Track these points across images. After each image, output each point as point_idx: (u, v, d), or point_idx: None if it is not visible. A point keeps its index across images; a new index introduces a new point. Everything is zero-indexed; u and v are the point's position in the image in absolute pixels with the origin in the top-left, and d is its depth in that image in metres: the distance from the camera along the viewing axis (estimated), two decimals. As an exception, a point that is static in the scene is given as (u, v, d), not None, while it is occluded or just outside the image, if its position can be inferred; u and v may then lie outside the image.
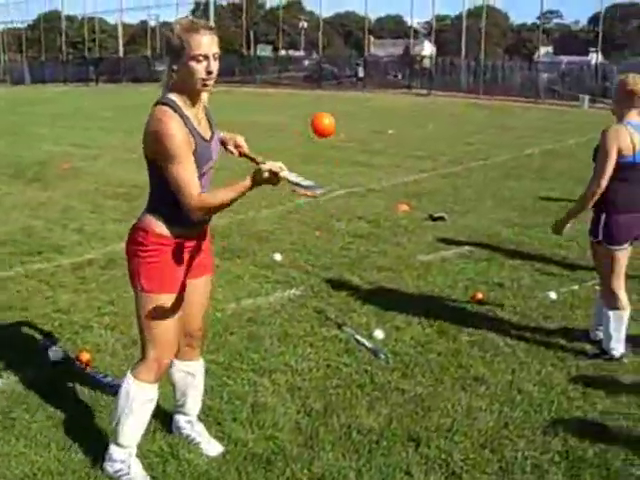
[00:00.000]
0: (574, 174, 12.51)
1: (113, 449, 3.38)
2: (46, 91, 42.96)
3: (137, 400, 3.30)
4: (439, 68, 42.68)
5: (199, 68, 2.95)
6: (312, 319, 5.38)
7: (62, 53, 63.68)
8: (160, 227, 3.14)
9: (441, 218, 8.71)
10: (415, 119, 23.36)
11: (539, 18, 47.50)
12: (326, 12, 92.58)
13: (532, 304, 5.75)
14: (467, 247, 7.47)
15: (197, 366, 3.66)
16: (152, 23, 65.15)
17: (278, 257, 6.95)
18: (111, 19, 65.54)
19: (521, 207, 9.56)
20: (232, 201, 2.97)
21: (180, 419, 3.74)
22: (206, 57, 2.95)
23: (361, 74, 45.21)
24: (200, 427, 3.74)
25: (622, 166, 4.44)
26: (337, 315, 5.45)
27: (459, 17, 47.73)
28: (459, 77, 41.15)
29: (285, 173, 2.96)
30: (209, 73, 2.98)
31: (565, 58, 43.92)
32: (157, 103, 3.04)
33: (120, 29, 62.93)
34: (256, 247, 7.37)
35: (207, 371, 4.38)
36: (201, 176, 3.07)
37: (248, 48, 61.11)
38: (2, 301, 5.80)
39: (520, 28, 78.73)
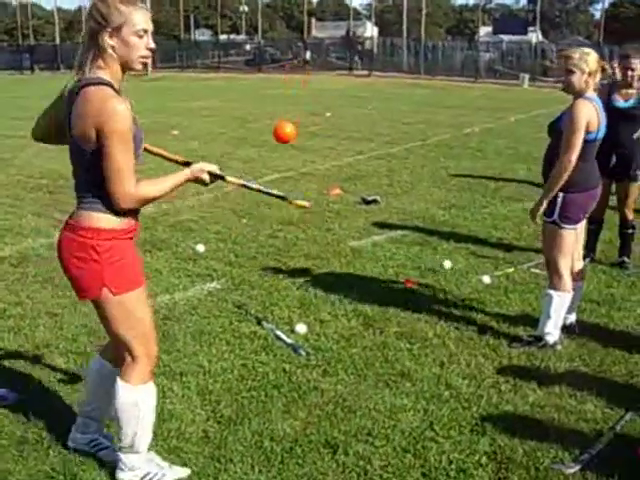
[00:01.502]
0: (513, 152, 12.38)
1: (132, 458, 3.13)
2: None
3: (146, 404, 3.08)
4: (380, 49, 42.48)
5: (140, 44, 2.76)
6: (231, 314, 5.03)
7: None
8: (109, 221, 2.82)
9: (374, 201, 8.42)
10: (355, 101, 23.07)
11: (479, -2, 47.53)
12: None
13: (465, 290, 5.49)
14: (400, 231, 7.19)
15: (115, 372, 3.28)
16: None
17: (201, 248, 6.58)
18: (48, 5, 63.87)
19: (458, 187, 9.33)
20: (169, 192, 2.88)
21: (89, 424, 3.35)
22: (146, 32, 2.77)
23: (307, 57, 44.80)
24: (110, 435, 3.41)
25: (585, 143, 4.18)
26: (258, 310, 5.11)
27: (400, -2, 47.50)
28: (401, 58, 41.01)
29: (232, 178, 3.03)
30: (149, 50, 2.80)
31: (505, 37, 43.95)
32: (90, 83, 2.71)
33: (56, 15, 61.44)
34: (179, 238, 6.99)
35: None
36: (137, 157, 2.86)
37: (188, 33, 60.20)
38: None
39: (462, 9, 79.02)
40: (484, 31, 54.44)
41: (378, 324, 4.83)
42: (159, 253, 6.53)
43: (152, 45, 2.79)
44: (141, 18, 2.74)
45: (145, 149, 3.22)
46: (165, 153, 3.31)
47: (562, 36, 59.87)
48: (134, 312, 2.94)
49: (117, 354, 3.09)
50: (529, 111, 19.21)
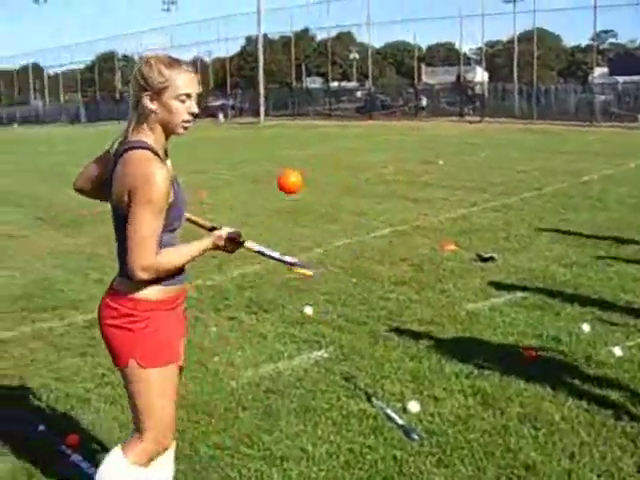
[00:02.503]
0: (637, 201, 11.69)
1: None
2: (100, 130, 43.20)
3: None
4: (491, 94, 41.91)
5: (182, 109, 2.68)
6: (339, 388, 4.69)
7: (117, 91, 64.54)
8: (150, 291, 2.71)
9: (491, 258, 7.98)
10: (466, 148, 22.63)
11: (593, 39, 46.35)
12: (377, 42, 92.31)
13: (593, 363, 4.99)
14: (519, 292, 6.72)
15: (172, 446, 3.12)
16: (206, 59, 65.74)
17: (309, 310, 6.31)
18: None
19: (579, 242, 8.77)
20: (190, 261, 2.77)
21: None
22: (189, 96, 2.69)
23: (424, 103, 44.63)
24: None
25: None
26: (367, 383, 4.76)
27: (511, 41, 46.84)
28: (512, 103, 40.30)
29: (250, 244, 2.92)
30: (191, 114, 2.71)
31: (621, 78, 42.57)
32: (132, 147, 2.63)
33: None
34: (286, 298, 6.74)
35: (210, 459, 3.81)
36: (178, 227, 2.80)
37: (300, 81, 61.13)
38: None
39: (574, 50, 77.42)
40: (598, 72, 53.05)
41: (498, 403, 4.40)
42: (265, 315, 6.29)
43: (195, 110, 2.70)
44: (185, 82, 2.66)
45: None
46: (192, 217, 3.16)
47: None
48: (158, 391, 2.79)
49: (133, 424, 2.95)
50: (651, 156, 18.34)
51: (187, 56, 67.06)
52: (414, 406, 4.34)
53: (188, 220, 3.13)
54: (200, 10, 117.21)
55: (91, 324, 6.19)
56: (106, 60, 70.41)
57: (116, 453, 2.87)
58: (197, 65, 61.83)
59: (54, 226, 11.08)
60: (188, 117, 2.70)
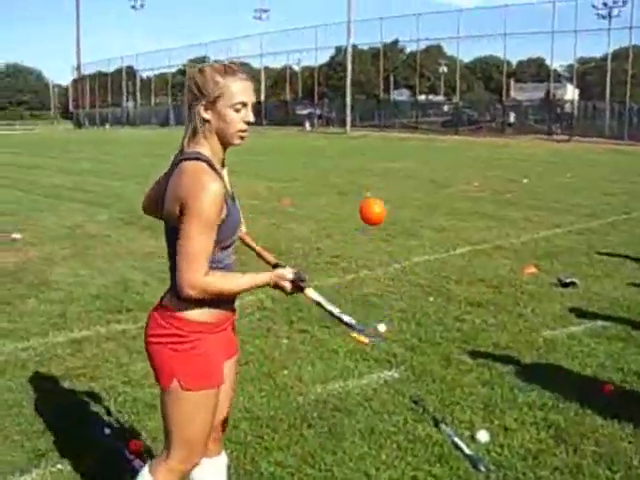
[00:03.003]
0: None
1: None
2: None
3: None
4: (581, 112, 41.06)
5: (237, 118, 2.60)
6: (407, 411, 4.59)
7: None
8: (199, 312, 2.64)
9: (572, 284, 7.74)
10: (553, 167, 22.18)
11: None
12: (467, 57, 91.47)
13: (677, 402, 4.77)
14: (600, 321, 6.49)
15: (223, 461, 3.13)
16: (295, 67, 66.30)
17: (382, 328, 6.19)
18: (257, 63, 67.07)
19: (668, 272, 8.44)
20: (242, 291, 2.69)
21: None
22: (245, 105, 2.61)
23: (512, 119, 44.10)
24: None
25: None
26: (437, 407, 4.64)
27: (604, 59, 45.83)
28: (602, 122, 39.38)
29: (311, 293, 2.81)
30: (248, 124, 2.63)
31: None
32: (187, 158, 2.57)
33: (262, 73, 64.25)
34: (361, 314, 6.64)
35: (271, 476, 3.77)
36: (231, 244, 2.71)
37: (387, 92, 61.06)
38: (71, 366, 5.35)
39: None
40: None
41: (572, 439, 4.22)
42: (337, 330, 6.20)
43: (251, 118, 2.62)
44: (240, 89, 2.58)
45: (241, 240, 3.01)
46: (258, 249, 3.09)
47: None
48: (194, 414, 2.70)
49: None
50: None
51: (277, 64, 67.74)
52: (483, 436, 4.21)
53: (254, 251, 3.10)
54: (291, 19, 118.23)
55: (164, 329, 6.24)
56: (197, 65, 71.69)
57: (144, 473, 2.82)
58: (286, 73, 62.56)
59: (137, 227, 11.23)
60: (244, 126, 2.62)
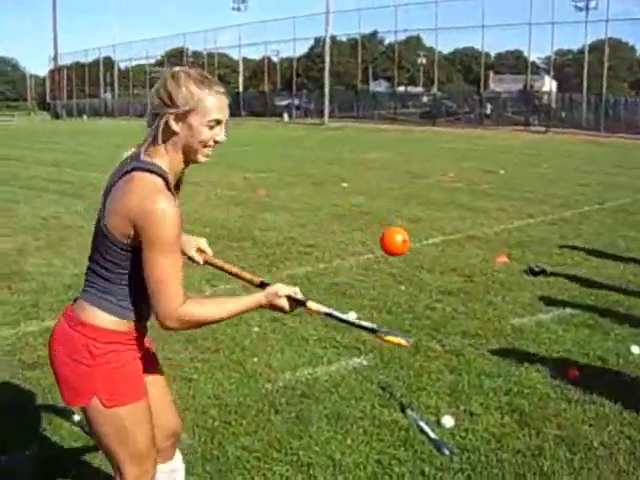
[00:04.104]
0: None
1: None
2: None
3: None
4: (559, 104, 41.29)
5: (209, 135, 2.39)
6: (374, 397, 4.64)
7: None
8: (115, 322, 2.45)
9: (543, 272, 7.82)
10: (530, 158, 22.30)
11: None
12: (446, 48, 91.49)
13: (639, 387, 4.85)
14: (569, 309, 6.57)
15: (180, 459, 2.97)
16: (274, 58, 66.15)
17: (353, 316, 6.25)
18: (235, 54, 66.88)
19: (637, 261, 8.53)
20: (230, 317, 2.45)
21: None
22: (219, 123, 2.40)
23: (488, 111, 44.29)
24: None
25: None
26: (403, 394, 4.69)
27: (582, 51, 46.08)
28: (579, 114, 39.62)
29: (315, 305, 2.51)
30: (216, 142, 2.42)
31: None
32: (142, 168, 2.35)
33: (241, 64, 64.10)
34: (332, 302, 6.67)
35: (237, 461, 3.80)
36: None
37: (366, 84, 61.09)
38: (42, 355, 5.32)
39: (648, 61, 75.70)
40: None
41: (535, 423, 4.29)
42: (308, 318, 6.25)
43: (223, 138, 2.42)
44: (216, 106, 2.37)
45: (211, 264, 2.87)
46: (234, 270, 2.83)
47: None
48: (128, 429, 2.49)
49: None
50: None
51: (256, 55, 67.53)
52: (448, 421, 4.27)
53: (228, 273, 2.86)
54: (270, 10, 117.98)
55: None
56: (175, 56, 71.21)
57: None
58: (265, 64, 62.42)
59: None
60: (212, 144, 2.42)
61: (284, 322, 6.14)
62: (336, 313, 2.55)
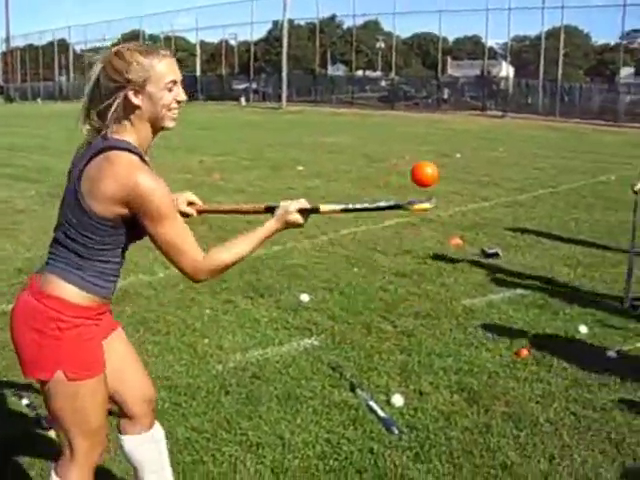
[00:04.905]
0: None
1: None
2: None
3: None
4: (516, 90, 41.59)
5: (170, 98, 2.43)
6: (324, 377, 4.65)
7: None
8: (84, 297, 2.44)
9: (495, 254, 7.89)
10: (486, 142, 22.43)
11: (621, 38, 45.74)
12: (404, 33, 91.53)
13: (586, 365, 4.90)
14: (519, 290, 6.64)
15: (161, 430, 2.97)
16: (232, 42, 65.62)
17: (305, 298, 6.26)
18: (192, 37, 66.23)
19: (588, 242, 8.65)
20: (253, 251, 2.56)
21: None
22: (175, 83, 2.44)
23: (446, 95, 44.45)
24: None
25: None
26: (354, 374, 4.70)
27: (539, 38, 46.35)
28: (536, 99, 39.96)
29: (327, 206, 2.67)
30: (179, 103, 2.47)
31: (648, 79, 42.13)
32: (115, 147, 2.37)
33: (198, 47, 63.50)
34: (285, 284, 6.69)
35: (186, 442, 3.78)
36: (127, 248, 2.57)
37: (324, 68, 60.92)
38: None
39: (603, 49, 76.44)
40: (626, 72, 52.46)
41: (484, 401, 4.33)
42: (261, 300, 6.25)
43: (183, 97, 2.47)
44: (167, 68, 2.41)
45: (205, 212, 2.95)
46: (233, 207, 3.02)
47: None
48: (86, 404, 2.50)
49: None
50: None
51: (213, 38, 66.91)
52: (398, 400, 4.29)
53: (229, 212, 3.03)
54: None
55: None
56: (132, 39, 70.38)
57: None
58: (223, 48, 61.96)
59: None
60: (176, 106, 2.46)
61: (237, 304, 6.13)
62: (351, 205, 2.69)
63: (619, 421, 4.10)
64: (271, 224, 2.59)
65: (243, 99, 50.72)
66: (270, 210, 2.68)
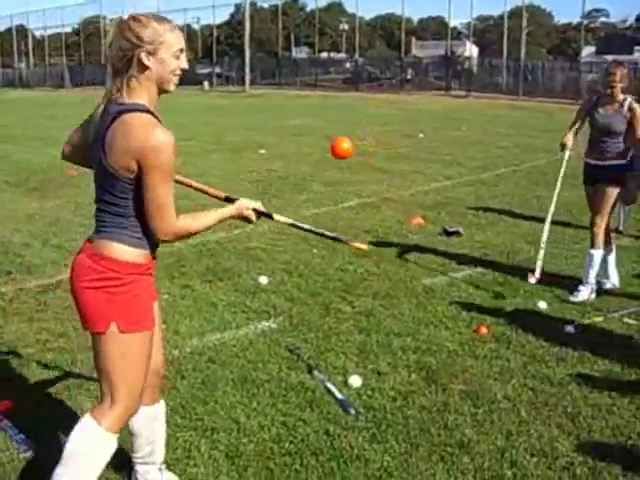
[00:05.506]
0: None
1: None
2: (88, 95, 42.62)
3: (105, 453, 2.76)
4: (480, 69, 41.68)
5: (176, 65, 2.65)
6: (281, 360, 4.59)
7: (103, 56, 63.75)
8: (134, 254, 2.66)
9: (457, 233, 7.88)
10: (450, 122, 22.42)
11: (583, 17, 45.97)
12: (368, 14, 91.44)
13: (544, 341, 4.90)
14: (480, 268, 6.64)
15: (162, 407, 3.14)
16: (195, 26, 65.04)
17: (264, 280, 6.20)
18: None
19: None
20: (210, 227, 2.79)
21: (149, 470, 3.14)
22: (182, 51, 2.68)
23: (409, 76, 44.46)
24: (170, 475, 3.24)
25: None
26: (311, 356, 4.65)
27: (502, 17, 46.44)
28: (500, 78, 40.08)
29: (280, 217, 2.95)
30: (183, 70, 2.69)
31: (610, 57, 42.31)
32: (129, 109, 2.56)
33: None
34: (244, 268, 6.62)
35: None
36: None
37: (288, 51, 60.63)
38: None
39: (565, 28, 76.84)
40: (588, 51, 52.79)
41: (442, 380, 4.30)
42: (219, 284, 6.17)
43: (186, 65, 2.69)
44: (177, 38, 2.64)
45: (180, 182, 3.05)
46: (200, 185, 3.15)
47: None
48: (135, 356, 2.71)
49: (100, 391, 2.81)
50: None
51: (175, 22, 66.34)
52: (356, 380, 4.25)
53: (197, 189, 3.17)
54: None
55: (44, 289, 6.10)
56: (92, 23, 69.39)
57: (88, 421, 2.74)
58: (184, 31, 61.32)
59: (23, 190, 10.87)
60: (179, 72, 2.67)
61: (194, 289, 6.06)
62: (299, 224, 3.06)
63: (575, 395, 4.10)
64: (230, 209, 2.84)
65: (206, 83, 50.28)
66: (229, 200, 2.97)
